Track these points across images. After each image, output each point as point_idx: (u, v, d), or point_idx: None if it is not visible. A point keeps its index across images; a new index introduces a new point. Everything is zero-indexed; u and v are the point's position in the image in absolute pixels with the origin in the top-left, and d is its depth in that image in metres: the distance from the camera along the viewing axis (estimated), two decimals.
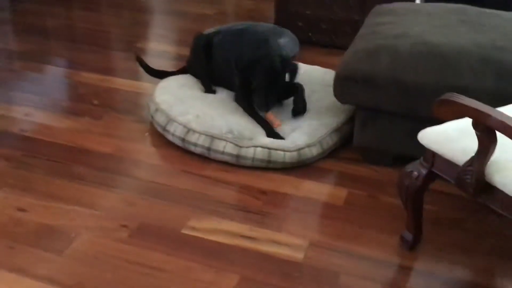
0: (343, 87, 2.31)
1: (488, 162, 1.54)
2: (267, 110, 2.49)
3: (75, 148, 2.48)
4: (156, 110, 2.60)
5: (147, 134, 2.62)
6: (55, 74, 3.28)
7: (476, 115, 1.47)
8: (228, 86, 2.75)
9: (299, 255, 1.90)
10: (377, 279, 1.81)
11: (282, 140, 2.40)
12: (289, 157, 2.35)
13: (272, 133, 2.45)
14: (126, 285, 1.74)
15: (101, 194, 2.18)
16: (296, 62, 2.65)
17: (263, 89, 2.46)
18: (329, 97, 2.53)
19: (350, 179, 2.34)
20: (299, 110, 2.55)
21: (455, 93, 1.53)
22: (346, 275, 1.82)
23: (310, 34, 3.72)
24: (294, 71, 2.59)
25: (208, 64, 2.82)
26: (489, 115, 1.44)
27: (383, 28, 2.45)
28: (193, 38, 2.95)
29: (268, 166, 2.36)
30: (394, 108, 2.26)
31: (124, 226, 2.00)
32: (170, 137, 2.49)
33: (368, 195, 2.24)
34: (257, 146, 2.35)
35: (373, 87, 2.24)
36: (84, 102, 2.90)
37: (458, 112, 1.53)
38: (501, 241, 2.01)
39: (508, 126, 1.40)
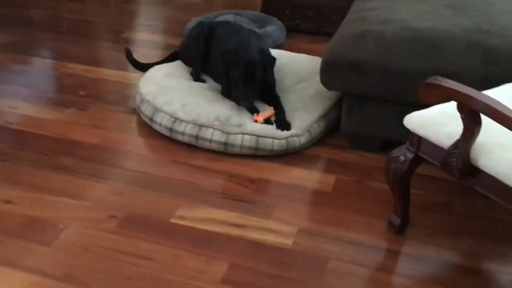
0: (329, 73, 2.31)
1: (473, 145, 1.55)
2: (246, 105, 2.45)
3: (62, 140, 2.47)
4: (142, 101, 2.59)
5: (134, 124, 2.61)
6: (40, 65, 3.24)
7: (460, 97, 1.48)
8: (216, 79, 2.74)
9: (288, 242, 1.91)
10: (365, 264, 1.83)
11: (271, 128, 2.39)
12: (277, 144, 2.35)
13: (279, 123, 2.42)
14: (115, 274, 1.74)
15: (89, 185, 2.17)
16: (273, 56, 2.62)
17: (240, 82, 2.44)
18: (317, 85, 2.54)
19: (338, 165, 2.35)
20: (282, 129, 2.42)
21: (439, 77, 1.53)
22: (334, 260, 1.83)
23: (297, 21, 3.71)
24: (271, 64, 2.57)
25: (205, 54, 2.79)
26: (473, 98, 1.44)
27: (369, 13, 2.45)
28: (195, 25, 2.90)
29: (257, 154, 2.36)
30: (381, 94, 2.27)
31: (113, 216, 1.99)
32: (157, 127, 2.48)
33: (356, 181, 2.25)
34: (245, 133, 2.35)
35: (359, 73, 2.24)
36: (71, 93, 2.87)
37: (443, 95, 1.53)
38: (488, 224, 2.03)
39: (492, 108, 1.41)
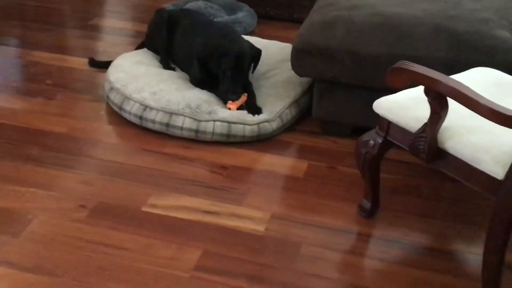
0: (299, 60, 2.31)
1: (440, 129, 1.58)
2: (235, 98, 2.42)
3: (28, 129, 2.42)
4: (111, 89, 2.55)
5: (102, 112, 2.57)
6: (5, 54, 3.16)
7: (427, 81, 1.50)
8: (184, 69, 2.71)
9: (260, 228, 1.91)
10: (337, 248, 1.85)
11: (242, 114, 2.38)
12: (249, 130, 2.35)
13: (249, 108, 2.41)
14: (86, 265, 1.72)
15: (58, 175, 2.13)
16: (259, 48, 2.61)
17: (229, 74, 2.41)
18: (288, 71, 2.54)
19: (310, 151, 2.36)
20: (253, 113, 2.41)
21: (407, 61, 1.55)
22: (307, 245, 1.85)
23: (268, 8, 3.70)
24: (258, 59, 2.56)
25: (170, 41, 2.76)
26: (439, 81, 1.46)
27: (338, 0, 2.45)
28: (154, 12, 2.89)
29: (228, 140, 2.35)
30: (351, 80, 2.28)
31: (82, 206, 1.97)
32: (127, 116, 2.45)
33: (327, 166, 2.26)
34: (216, 120, 2.34)
35: (329, 59, 2.24)
36: (37, 82, 2.81)
37: (410, 80, 1.55)
38: (456, 206, 2.07)
39: (458, 91, 1.43)
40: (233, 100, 2.41)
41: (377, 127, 1.81)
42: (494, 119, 1.38)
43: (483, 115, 1.41)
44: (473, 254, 1.85)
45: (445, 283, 1.74)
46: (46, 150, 2.28)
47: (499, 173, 1.47)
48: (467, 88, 1.44)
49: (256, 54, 2.54)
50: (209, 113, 2.36)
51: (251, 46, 2.53)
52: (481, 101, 1.40)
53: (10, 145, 2.30)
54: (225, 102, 2.43)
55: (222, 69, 2.43)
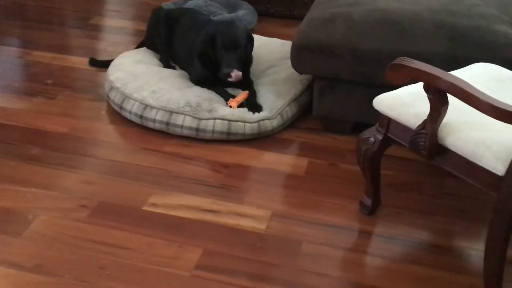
0: (299, 57, 2.31)
1: (441, 125, 1.57)
2: (228, 72, 2.40)
3: (29, 129, 2.42)
4: (111, 88, 2.54)
5: (103, 112, 2.57)
6: (6, 54, 3.16)
7: (426, 78, 1.49)
8: (184, 67, 2.70)
9: (261, 226, 1.91)
10: (338, 245, 1.85)
11: (243, 112, 2.38)
12: (249, 128, 2.35)
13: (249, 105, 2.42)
14: (88, 264, 1.72)
15: (59, 174, 2.13)
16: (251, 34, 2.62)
17: (223, 49, 2.42)
18: (288, 69, 2.53)
19: (310, 149, 2.36)
20: (253, 111, 2.40)
21: (406, 58, 1.54)
22: (308, 243, 1.85)
23: (268, 5, 3.69)
24: (251, 42, 2.56)
25: (169, 40, 2.76)
26: (439, 77, 1.45)
27: None
28: (152, 11, 2.90)
29: (229, 139, 2.35)
30: (351, 77, 2.27)
31: (83, 206, 1.97)
32: (127, 115, 2.45)
33: (328, 164, 2.26)
34: (216, 118, 2.33)
35: (329, 55, 2.24)
36: (38, 82, 2.81)
37: (410, 76, 1.54)
38: (457, 202, 2.06)
39: (458, 87, 1.43)
40: (226, 77, 2.41)
41: (377, 124, 1.81)
42: (495, 115, 1.38)
43: (483, 111, 1.40)
44: (475, 250, 1.84)
45: (447, 280, 1.73)
46: (47, 149, 2.28)
47: (499, 169, 1.46)
48: (467, 84, 1.44)
49: (250, 35, 2.54)
50: (210, 111, 2.35)
51: (246, 29, 2.54)
52: (481, 97, 1.39)
53: (11, 145, 2.30)
54: (225, 82, 2.45)
55: (218, 50, 2.44)
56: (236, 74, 2.40)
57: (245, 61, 2.55)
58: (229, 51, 2.43)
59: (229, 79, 2.41)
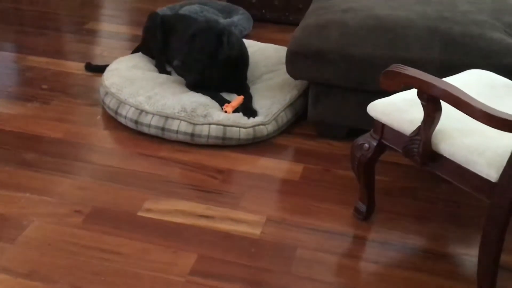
0: (294, 63, 2.32)
1: (434, 131, 1.58)
2: (181, 59, 2.39)
3: (24, 134, 2.41)
4: (106, 93, 2.55)
5: (99, 117, 2.57)
6: (1, 59, 3.15)
7: (420, 84, 1.50)
8: (178, 72, 2.70)
9: (256, 232, 1.91)
10: (333, 251, 1.85)
11: (238, 117, 2.38)
12: (244, 133, 2.35)
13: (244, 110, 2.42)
14: (82, 270, 1.72)
15: (53, 180, 2.13)
16: (231, 30, 2.60)
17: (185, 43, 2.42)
18: (284, 74, 2.54)
19: (305, 154, 2.36)
20: (248, 116, 2.40)
21: (400, 64, 1.55)
22: (302, 249, 1.85)
23: (263, 11, 3.71)
24: (230, 37, 2.50)
25: (165, 45, 2.77)
26: (432, 84, 1.46)
27: (333, 2, 2.46)
28: (147, 17, 2.90)
29: (224, 144, 2.35)
30: (345, 83, 2.28)
31: (78, 211, 1.97)
32: (122, 120, 2.45)
33: (323, 169, 2.27)
34: (211, 123, 2.34)
35: (323, 62, 2.25)
36: (33, 87, 2.81)
37: (404, 83, 1.55)
38: (451, 208, 2.07)
39: (451, 94, 1.43)
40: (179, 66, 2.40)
41: (371, 130, 1.81)
42: (488, 122, 1.38)
43: (476, 118, 1.41)
44: (468, 256, 1.85)
45: (440, 285, 1.74)
46: (41, 155, 2.27)
47: (493, 176, 1.47)
48: (460, 91, 1.45)
49: (221, 35, 2.46)
50: (205, 116, 2.36)
51: (221, 28, 2.49)
52: (475, 104, 1.40)
53: (6, 150, 2.29)
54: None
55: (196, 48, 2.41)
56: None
57: (239, 65, 2.55)
58: (183, 41, 2.40)
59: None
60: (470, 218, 2.02)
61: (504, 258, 1.63)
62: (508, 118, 1.34)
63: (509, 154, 1.43)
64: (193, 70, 2.46)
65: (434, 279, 1.75)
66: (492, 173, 1.47)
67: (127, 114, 2.42)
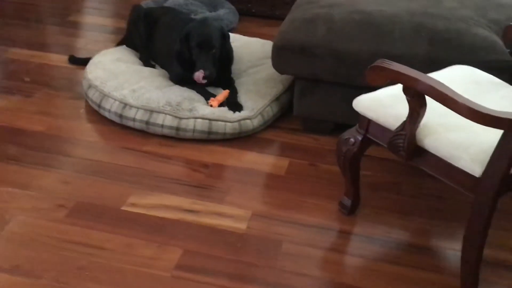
0: (280, 57, 2.31)
1: (419, 126, 1.59)
2: (208, 74, 2.40)
3: (6, 128, 2.38)
4: (89, 86, 2.52)
5: (82, 110, 2.54)
6: None
7: (405, 80, 1.50)
8: (164, 66, 2.69)
9: (242, 226, 1.91)
10: (318, 245, 1.85)
11: (223, 111, 2.37)
12: (230, 127, 2.34)
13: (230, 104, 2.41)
14: (66, 265, 1.70)
15: (36, 174, 2.10)
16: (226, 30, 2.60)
17: (197, 49, 2.42)
18: (269, 69, 2.53)
19: (291, 149, 2.36)
20: (234, 110, 2.40)
21: (386, 59, 1.55)
22: (288, 243, 1.85)
23: (249, 5, 3.69)
24: (226, 39, 2.54)
25: (149, 39, 2.74)
26: (417, 80, 1.47)
27: None
28: (131, 9, 2.87)
29: (209, 138, 2.34)
30: (331, 77, 2.29)
31: (61, 205, 1.94)
32: (106, 114, 2.43)
33: (309, 164, 2.27)
34: (197, 118, 2.32)
35: (309, 56, 2.24)
36: (15, 80, 2.77)
37: (389, 78, 1.55)
38: (436, 203, 2.09)
39: (436, 89, 1.44)
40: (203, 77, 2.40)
41: (357, 125, 1.82)
42: (472, 117, 1.39)
43: (461, 114, 1.42)
44: (452, 250, 1.87)
45: (425, 279, 1.75)
46: (24, 148, 2.24)
47: (477, 171, 1.48)
48: (445, 86, 1.45)
49: (224, 33, 2.51)
50: (190, 110, 2.34)
51: (220, 27, 2.52)
52: (459, 100, 1.41)
53: None
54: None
55: (193, 49, 2.42)
56: (198, 75, 2.39)
57: (224, 60, 2.55)
58: (202, 52, 2.41)
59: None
60: (454, 213, 2.04)
61: (487, 252, 1.65)
62: (492, 114, 1.36)
63: (493, 150, 1.45)
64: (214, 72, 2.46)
65: (418, 273, 1.77)
66: (476, 169, 1.48)
67: (111, 107, 2.40)
